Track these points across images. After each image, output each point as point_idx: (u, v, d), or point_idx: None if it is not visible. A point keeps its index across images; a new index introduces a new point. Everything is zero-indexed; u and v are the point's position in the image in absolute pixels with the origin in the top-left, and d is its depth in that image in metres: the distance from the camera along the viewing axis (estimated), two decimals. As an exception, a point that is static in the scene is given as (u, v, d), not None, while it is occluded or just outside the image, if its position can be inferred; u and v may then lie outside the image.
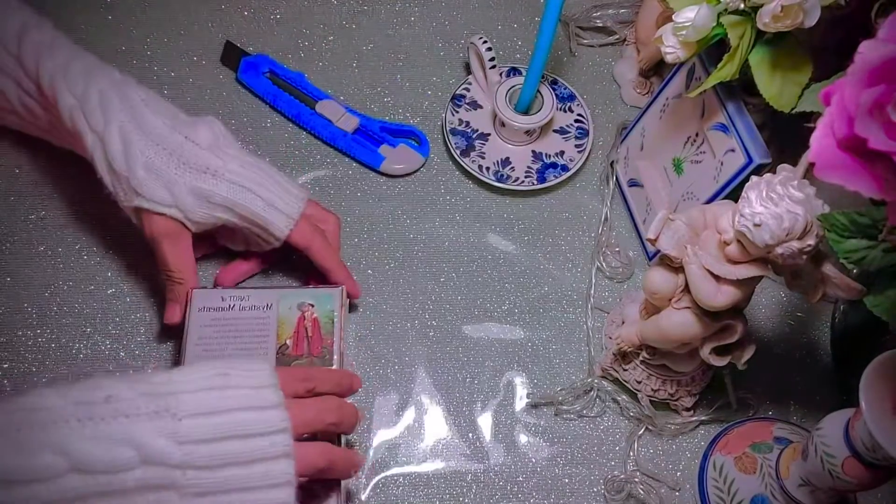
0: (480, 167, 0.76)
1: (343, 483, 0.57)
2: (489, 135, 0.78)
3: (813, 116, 0.56)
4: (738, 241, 0.53)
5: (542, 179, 0.76)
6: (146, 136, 0.58)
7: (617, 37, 0.86)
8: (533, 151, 0.78)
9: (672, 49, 0.60)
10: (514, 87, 0.76)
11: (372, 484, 0.63)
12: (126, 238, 0.69)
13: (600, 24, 0.86)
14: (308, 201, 0.65)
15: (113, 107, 0.58)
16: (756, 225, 0.50)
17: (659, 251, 0.56)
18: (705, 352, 0.59)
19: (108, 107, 0.58)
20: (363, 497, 0.62)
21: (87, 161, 0.61)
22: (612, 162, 0.78)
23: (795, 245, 0.50)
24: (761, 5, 0.55)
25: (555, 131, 0.79)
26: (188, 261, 0.62)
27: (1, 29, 0.60)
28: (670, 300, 0.58)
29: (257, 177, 0.62)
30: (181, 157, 0.59)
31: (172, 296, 0.63)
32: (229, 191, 0.60)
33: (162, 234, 0.60)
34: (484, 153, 0.77)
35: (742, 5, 0.57)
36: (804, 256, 0.51)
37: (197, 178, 0.59)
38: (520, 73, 0.79)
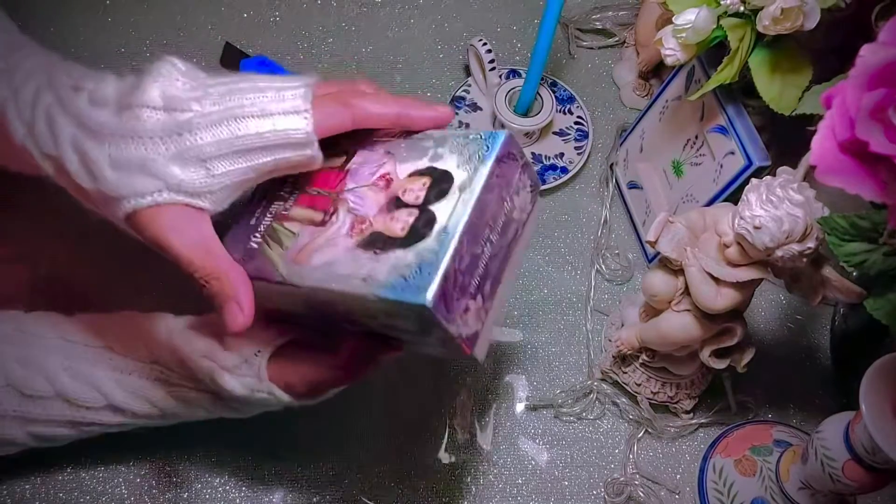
0: (480, 169, 0.76)
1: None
2: (489, 137, 0.78)
3: (814, 119, 0.56)
4: (738, 243, 0.53)
5: (541, 181, 0.76)
6: (96, 136, 0.45)
7: (616, 39, 0.86)
8: (532, 153, 0.78)
9: (672, 51, 0.60)
10: (513, 89, 0.76)
11: (372, 486, 0.63)
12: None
13: (600, 26, 0.86)
14: (317, 84, 0.48)
15: (59, 123, 0.46)
16: (756, 227, 0.50)
17: (658, 253, 0.56)
18: (705, 354, 0.59)
19: (53, 122, 0.46)
20: (364, 500, 0.62)
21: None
22: (612, 164, 0.78)
23: (795, 248, 0.50)
24: (761, 8, 0.55)
25: (554, 133, 0.79)
26: (210, 245, 0.46)
27: None
28: (670, 303, 0.58)
29: (241, 96, 0.46)
30: (143, 134, 0.45)
31: (218, 299, 0.46)
32: (216, 133, 0.45)
33: (165, 229, 0.46)
34: (483, 155, 0.77)
35: (742, 8, 0.57)
36: (804, 259, 0.51)
37: (173, 143, 0.45)
38: (519, 75, 0.79)
